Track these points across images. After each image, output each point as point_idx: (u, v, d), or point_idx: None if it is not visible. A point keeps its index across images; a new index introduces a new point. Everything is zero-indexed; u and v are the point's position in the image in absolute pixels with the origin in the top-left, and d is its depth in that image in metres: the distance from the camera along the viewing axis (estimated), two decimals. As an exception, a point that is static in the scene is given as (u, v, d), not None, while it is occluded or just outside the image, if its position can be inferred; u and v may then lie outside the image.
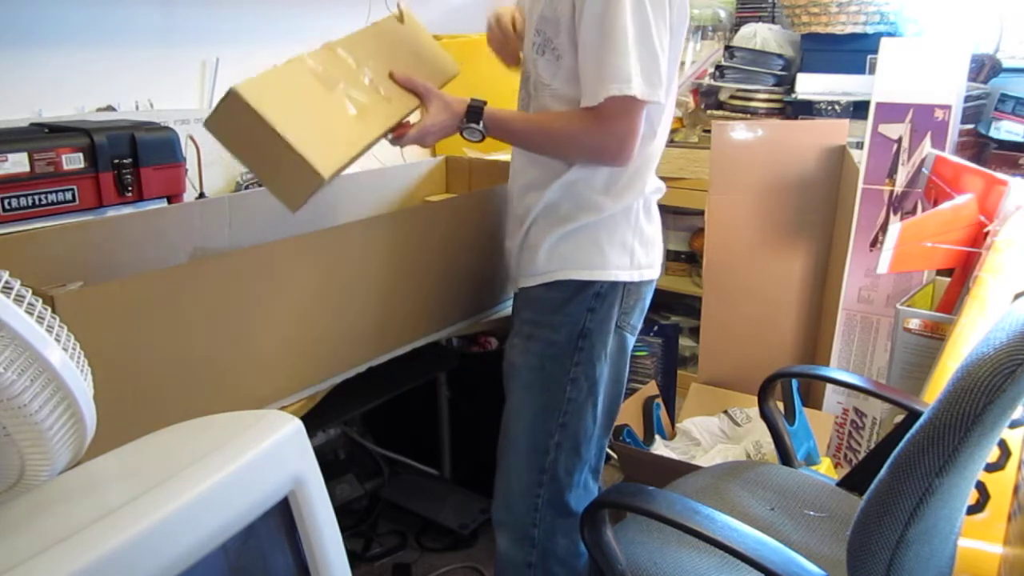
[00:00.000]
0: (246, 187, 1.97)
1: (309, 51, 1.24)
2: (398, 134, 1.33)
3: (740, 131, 2.25)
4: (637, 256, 1.37)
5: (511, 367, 1.41)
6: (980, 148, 2.21)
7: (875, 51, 2.04)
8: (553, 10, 1.27)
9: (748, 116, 2.45)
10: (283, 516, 0.81)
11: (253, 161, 1.13)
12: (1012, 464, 1.34)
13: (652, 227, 1.41)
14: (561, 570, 1.44)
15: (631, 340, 1.45)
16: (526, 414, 1.39)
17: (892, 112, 1.98)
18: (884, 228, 2.00)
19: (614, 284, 1.35)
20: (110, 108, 1.82)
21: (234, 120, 1.04)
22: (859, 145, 2.08)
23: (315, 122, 1.11)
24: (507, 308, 1.67)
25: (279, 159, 1.04)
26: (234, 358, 1.23)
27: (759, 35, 2.47)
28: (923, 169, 1.89)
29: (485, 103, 1.31)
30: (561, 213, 1.34)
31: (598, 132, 1.24)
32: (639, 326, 1.46)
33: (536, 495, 1.40)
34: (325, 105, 1.17)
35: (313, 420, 1.20)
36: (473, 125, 1.30)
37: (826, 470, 1.85)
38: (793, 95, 2.38)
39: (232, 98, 1.03)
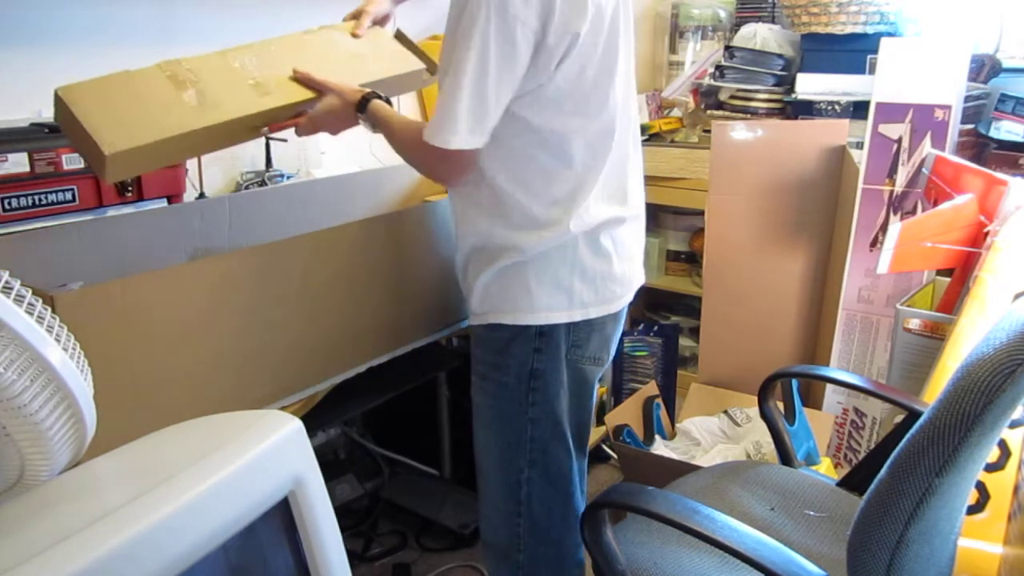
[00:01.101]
0: (246, 187, 1.97)
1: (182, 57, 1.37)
2: (291, 123, 1.38)
3: (740, 131, 2.25)
4: (578, 294, 1.28)
5: (473, 404, 1.39)
6: (980, 148, 2.21)
7: (875, 51, 2.04)
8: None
9: (748, 116, 2.45)
10: (283, 516, 0.81)
11: (77, 143, 1.27)
12: (1012, 464, 1.34)
13: (600, 261, 1.30)
14: None
15: (594, 371, 1.38)
16: (493, 451, 1.38)
17: (892, 112, 1.98)
18: (884, 228, 2.00)
19: (554, 325, 1.29)
20: (110, 108, 1.81)
21: (62, 112, 1.25)
22: (859, 145, 2.08)
23: (125, 110, 1.25)
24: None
25: (85, 140, 1.21)
26: (234, 358, 1.23)
27: (759, 35, 2.47)
28: (923, 169, 1.89)
29: (378, 97, 1.35)
30: (487, 254, 1.30)
31: (426, 162, 1.28)
32: (606, 356, 1.39)
33: (516, 524, 1.39)
34: (154, 98, 1.29)
35: (313, 420, 1.20)
36: (360, 115, 1.34)
37: (826, 470, 1.85)
38: (793, 95, 2.38)
39: (56, 97, 1.26)
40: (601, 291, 1.31)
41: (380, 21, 1.58)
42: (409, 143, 1.28)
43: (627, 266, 1.35)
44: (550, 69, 1.17)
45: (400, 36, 1.61)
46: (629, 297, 1.38)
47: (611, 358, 1.42)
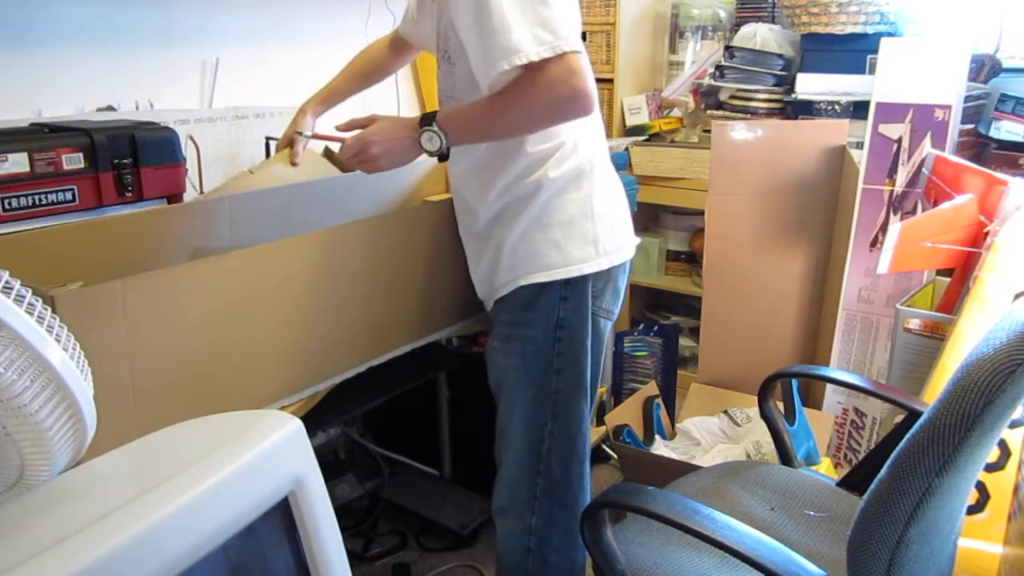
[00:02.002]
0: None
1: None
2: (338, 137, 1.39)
3: (740, 131, 2.25)
4: (602, 243, 1.35)
5: (496, 370, 1.43)
6: (980, 148, 2.21)
7: (875, 51, 2.04)
8: (442, 18, 1.30)
9: (748, 116, 2.45)
10: (283, 516, 0.81)
11: None
12: (1012, 464, 1.34)
13: (613, 207, 1.39)
14: (557, 559, 1.46)
15: (606, 324, 1.44)
16: (518, 408, 1.41)
17: (892, 112, 1.98)
18: (884, 228, 2.00)
19: (582, 275, 1.35)
20: (110, 108, 1.81)
21: None
22: (859, 145, 2.08)
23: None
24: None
25: None
26: (234, 358, 1.23)
27: (759, 35, 2.47)
28: (923, 169, 1.89)
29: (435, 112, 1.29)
30: (507, 217, 1.35)
31: (541, 84, 1.17)
32: (615, 310, 1.45)
33: (534, 482, 1.42)
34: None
35: (313, 420, 1.20)
36: (428, 128, 1.26)
37: (826, 470, 1.85)
38: (793, 95, 2.38)
39: None
40: (617, 238, 1.38)
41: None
42: (514, 95, 1.19)
43: (626, 215, 1.43)
44: None
45: (328, 153, 1.67)
46: (633, 248, 1.45)
47: (617, 313, 1.47)
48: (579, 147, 1.34)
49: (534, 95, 1.18)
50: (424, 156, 1.30)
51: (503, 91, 1.21)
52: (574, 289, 1.35)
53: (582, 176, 1.34)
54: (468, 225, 1.46)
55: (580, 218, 1.34)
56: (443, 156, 1.29)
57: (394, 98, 2.40)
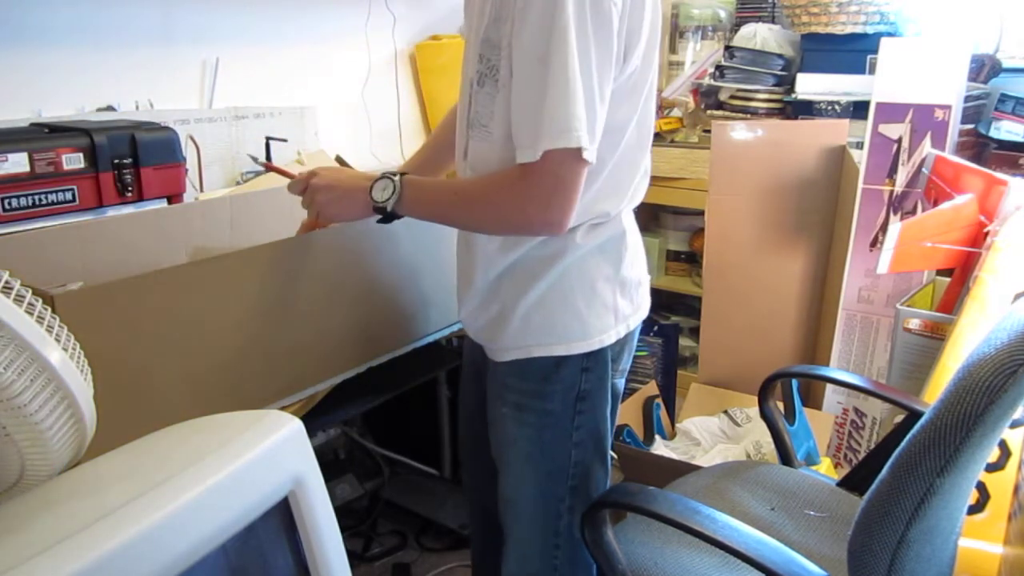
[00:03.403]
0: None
1: None
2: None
3: (740, 131, 2.24)
4: (621, 310, 1.21)
5: (504, 436, 1.25)
6: (980, 148, 2.21)
7: (875, 51, 2.04)
8: (497, 31, 1.06)
9: (748, 116, 2.45)
10: (283, 516, 0.80)
11: None
12: (1012, 464, 1.34)
13: (636, 266, 1.25)
14: None
15: (620, 383, 1.32)
16: (530, 483, 1.25)
17: (892, 112, 1.98)
18: (884, 228, 2.00)
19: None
20: (110, 108, 1.81)
21: None
22: (859, 145, 2.08)
23: None
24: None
25: None
26: (234, 358, 1.23)
27: (759, 35, 2.47)
28: (923, 169, 1.89)
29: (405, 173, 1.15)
30: (520, 278, 1.17)
31: (521, 188, 1.03)
32: (628, 366, 1.33)
33: (554, 557, 1.27)
34: None
35: (313, 420, 1.20)
36: (389, 176, 1.12)
37: (826, 470, 1.85)
38: (793, 95, 2.38)
39: None
40: (636, 299, 1.25)
41: None
42: (475, 190, 1.09)
43: (645, 266, 1.31)
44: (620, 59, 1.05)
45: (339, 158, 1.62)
46: (649, 299, 1.33)
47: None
48: (618, 199, 1.18)
49: (518, 198, 1.03)
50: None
51: (480, 181, 1.09)
52: (596, 360, 1.20)
53: (613, 241, 1.18)
54: (464, 264, 1.25)
55: (605, 286, 1.18)
56: (387, 217, 1.14)
57: (394, 98, 2.40)
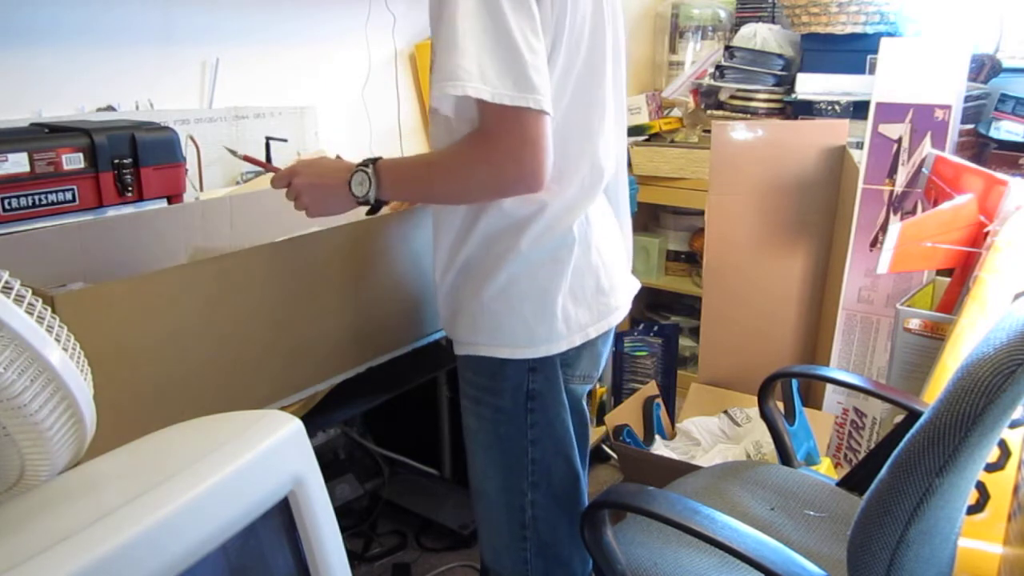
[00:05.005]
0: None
1: None
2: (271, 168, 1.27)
3: (740, 131, 2.25)
4: (576, 319, 1.19)
5: (466, 427, 1.29)
6: (980, 148, 2.21)
7: (875, 51, 2.04)
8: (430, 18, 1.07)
9: (748, 116, 2.45)
10: (283, 516, 0.80)
11: None
12: (1012, 464, 1.34)
13: (600, 272, 1.21)
14: None
15: (584, 388, 1.32)
16: (492, 475, 1.28)
17: (892, 112, 1.98)
18: (884, 228, 2.00)
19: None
20: (110, 108, 1.81)
21: None
22: (859, 145, 2.08)
23: None
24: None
25: None
26: (234, 358, 1.23)
27: (759, 35, 2.47)
28: (923, 169, 1.89)
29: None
30: (468, 278, 1.19)
31: (484, 149, 1.03)
32: (595, 373, 1.32)
33: (523, 548, 1.29)
34: None
35: (313, 420, 1.20)
36: (363, 169, 1.12)
37: (826, 470, 1.85)
38: (793, 95, 2.38)
39: None
40: (596, 309, 1.22)
41: None
42: (445, 158, 1.09)
43: (618, 270, 1.28)
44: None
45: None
46: (624, 310, 1.29)
47: (599, 374, 1.36)
48: (569, 211, 1.15)
49: (479, 161, 1.04)
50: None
51: (448, 148, 1.08)
52: (543, 363, 1.19)
53: (562, 248, 1.16)
54: (434, 260, 1.28)
55: (555, 296, 1.16)
56: (372, 208, 1.15)
57: (394, 98, 2.40)
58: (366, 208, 1.16)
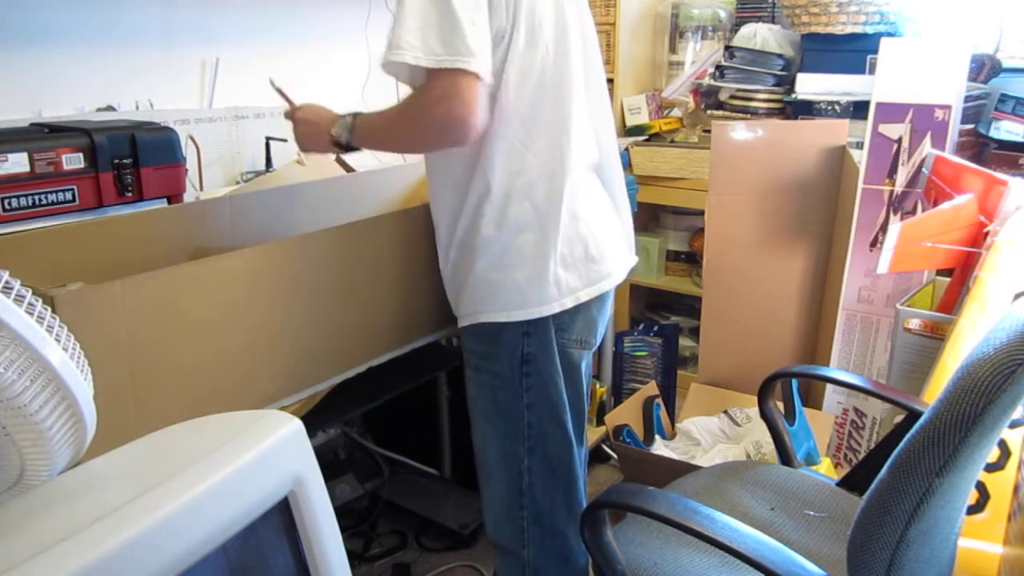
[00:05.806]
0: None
1: None
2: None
3: (740, 131, 2.25)
4: (566, 283, 1.30)
5: (469, 397, 1.41)
6: (980, 148, 2.21)
7: (875, 51, 2.04)
8: None
9: (748, 116, 2.45)
10: (283, 516, 0.80)
11: None
12: (1012, 464, 1.34)
13: (589, 239, 1.32)
14: None
15: (581, 355, 1.40)
16: (492, 442, 1.38)
17: (892, 112, 1.98)
18: (884, 228, 2.00)
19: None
20: (110, 108, 1.82)
21: None
22: (859, 145, 2.08)
23: None
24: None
25: None
26: (234, 358, 1.23)
27: (759, 35, 2.47)
28: (923, 169, 1.89)
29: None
30: (466, 252, 1.31)
31: (419, 101, 1.18)
32: (592, 339, 1.41)
33: (520, 517, 1.39)
34: None
35: (313, 420, 1.21)
36: (345, 117, 1.30)
37: (826, 470, 1.85)
38: (793, 95, 2.38)
39: None
40: (586, 275, 1.33)
41: None
42: (404, 107, 1.22)
43: (611, 239, 1.38)
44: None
45: (339, 160, 1.81)
46: (616, 277, 1.38)
47: (598, 342, 1.44)
48: (550, 178, 1.27)
49: (417, 111, 1.19)
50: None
51: (402, 102, 1.22)
52: (537, 326, 1.31)
53: (549, 217, 1.28)
54: (438, 247, 1.41)
55: (545, 260, 1.28)
56: (346, 148, 1.31)
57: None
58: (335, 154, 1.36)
